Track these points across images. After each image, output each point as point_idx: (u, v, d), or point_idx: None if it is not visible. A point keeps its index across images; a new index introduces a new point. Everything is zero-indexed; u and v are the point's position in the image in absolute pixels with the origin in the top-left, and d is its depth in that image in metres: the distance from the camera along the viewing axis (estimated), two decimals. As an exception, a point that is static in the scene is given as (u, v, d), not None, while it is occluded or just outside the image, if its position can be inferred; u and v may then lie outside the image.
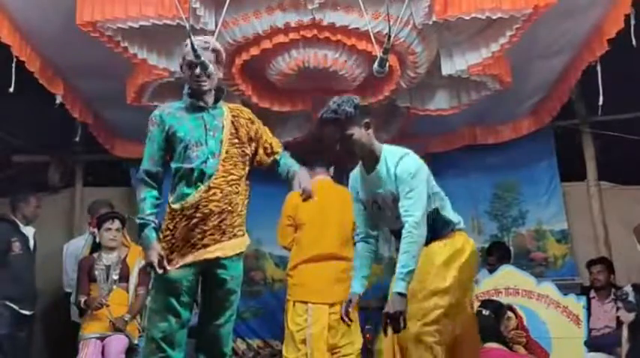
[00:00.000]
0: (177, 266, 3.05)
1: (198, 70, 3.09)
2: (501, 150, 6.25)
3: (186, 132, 3.10)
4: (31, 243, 5.21)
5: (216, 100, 3.22)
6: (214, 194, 3.05)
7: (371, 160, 3.13)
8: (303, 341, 4.46)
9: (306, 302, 4.52)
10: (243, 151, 3.20)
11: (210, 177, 3.06)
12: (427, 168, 3.13)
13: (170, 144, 3.14)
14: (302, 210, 4.58)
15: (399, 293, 2.87)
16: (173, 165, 3.14)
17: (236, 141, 3.18)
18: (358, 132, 3.06)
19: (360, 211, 3.31)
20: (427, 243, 3.03)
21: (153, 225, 3.05)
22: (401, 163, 3.04)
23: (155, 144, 3.15)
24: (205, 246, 3.06)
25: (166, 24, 4.07)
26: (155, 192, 3.13)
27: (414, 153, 3.15)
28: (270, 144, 3.33)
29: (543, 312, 5.04)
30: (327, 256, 4.48)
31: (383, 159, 3.10)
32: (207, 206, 3.04)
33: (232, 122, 3.20)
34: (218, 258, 3.08)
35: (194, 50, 3.06)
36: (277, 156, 3.34)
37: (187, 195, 3.05)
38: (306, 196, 3.23)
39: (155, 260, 2.99)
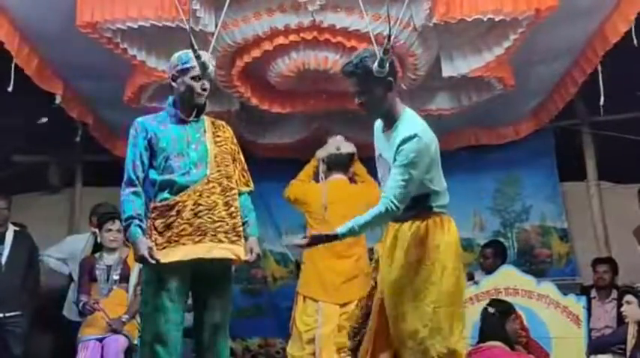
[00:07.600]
0: (176, 259, 3.04)
1: (206, 84, 3.15)
2: (501, 150, 6.24)
3: (168, 143, 3.14)
4: (7, 243, 5.17)
5: (200, 113, 3.25)
6: (214, 187, 3.10)
7: (388, 120, 2.90)
8: (310, 341, 4.48)
9: (316, 301, 4.54)
10: (228, 150, 3.25)
11: (204, 176, 3.10)
12: (432, 152, 2.85)
13: (151, 151, 3.16)
14: (312, 202, 4.69)
15: (337, 234, 2.79)
16: (152, 176, 3.15)
17: (219, 140, 3.23)
18: (376, 90, 2.81)
19: None
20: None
21: (138, 222, 3.06)
22: (409, 144, 2.76)
23: (137, 149, 3.17)
24: (220, 241, 3.08)
25: (166, 26, 4.06)
26: (141, 196, 3.14)
27: (427, 131, 2.86)
28: (244, 176, 3.35)
29: (543, 312, 5.01)
30: (335, 254, 4.48)
31: (398, 126, 2.85)
32: (209, 197, 3.08)
33: (214, 132, 3.25)
34: (227, 259, 3.12)
35: (198, 57, 3.09)
36: (245, 191, 3.34)
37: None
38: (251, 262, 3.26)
39: (145, 252, 3.00)
